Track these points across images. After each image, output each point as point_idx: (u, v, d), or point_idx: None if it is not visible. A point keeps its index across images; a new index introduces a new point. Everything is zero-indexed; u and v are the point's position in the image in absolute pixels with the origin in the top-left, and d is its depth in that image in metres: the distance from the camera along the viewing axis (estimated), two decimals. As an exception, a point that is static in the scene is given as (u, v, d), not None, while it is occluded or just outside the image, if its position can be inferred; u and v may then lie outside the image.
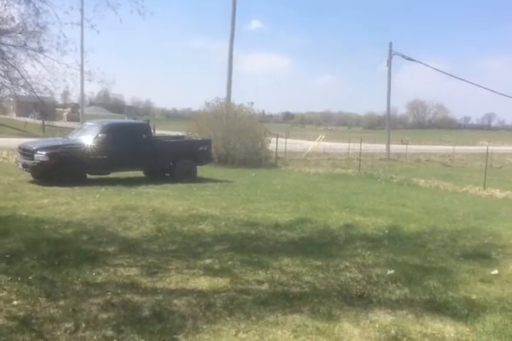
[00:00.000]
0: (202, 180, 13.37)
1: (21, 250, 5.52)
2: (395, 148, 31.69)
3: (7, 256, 5.26)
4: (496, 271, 5.59)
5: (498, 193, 14.14)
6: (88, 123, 13.81)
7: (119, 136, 12.18)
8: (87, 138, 12.09)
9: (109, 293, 4.31)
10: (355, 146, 26.90)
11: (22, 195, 9.33)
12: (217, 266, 5.28)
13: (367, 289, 4.79)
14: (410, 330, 3.87)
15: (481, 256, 6.29)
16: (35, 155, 11.28)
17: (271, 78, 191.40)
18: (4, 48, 7.06)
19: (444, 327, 3.96)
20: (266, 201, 9.93)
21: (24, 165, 11.59)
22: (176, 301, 4.21)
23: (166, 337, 3.52)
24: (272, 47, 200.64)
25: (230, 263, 5.41)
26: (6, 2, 6.52)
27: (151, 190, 10.78)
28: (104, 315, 3.84)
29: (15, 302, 4.01)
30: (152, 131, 14.69)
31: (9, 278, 4.56)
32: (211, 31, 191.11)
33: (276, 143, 21.13)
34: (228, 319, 3.90)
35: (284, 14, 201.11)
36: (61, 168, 11.14)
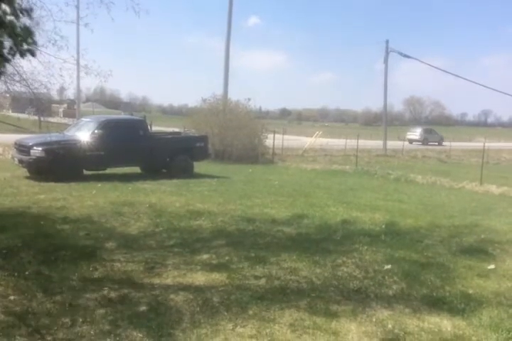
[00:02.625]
0: (199, 176, 13.35)
1: (18, 245, 5.50)
2: (392, 144, 31.76)
3: (4, 251, 5.25)
4: (492, 266, 5.62)
5: (494, 189, 14.16)
6: (84, 119, 13.74)
7: (116, 132, 12.12)
8: (84, 134, 12.04)
9: (106, 288, 4.30)
10: (352, 142, 26.84)
11: (18, 190, 9.29)
12: (214, 262, 5.28)
13: (364, 284, 4.80)
14: (407, 324, 3.88)
15: (478, 251, 6.31)
16: (32, 151, 11.23)
17: (268, 74, 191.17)
18: None
19: (441, 321, 3.97)
20: (263, 197, 9.92)
21: (20, 161, 11.54)
22: (173, 296, 4.21)
23: (163, 332, 3.52)
24: (270, 43, 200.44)
25: (227, 258, 5.41)
26: None
27: (147, 185, 10.77)
28: (101, 310, 3.84)
29: (11, 298, 4.00)
30: (149, 127, 14.64)
31: (6, 274, 4.55)
32: (208, 27, 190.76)
33: (274, 139, 21.09)
34: (225, 314, 3.90)
35: (281, 11, 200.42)
36: (57, 164, 11.09)
